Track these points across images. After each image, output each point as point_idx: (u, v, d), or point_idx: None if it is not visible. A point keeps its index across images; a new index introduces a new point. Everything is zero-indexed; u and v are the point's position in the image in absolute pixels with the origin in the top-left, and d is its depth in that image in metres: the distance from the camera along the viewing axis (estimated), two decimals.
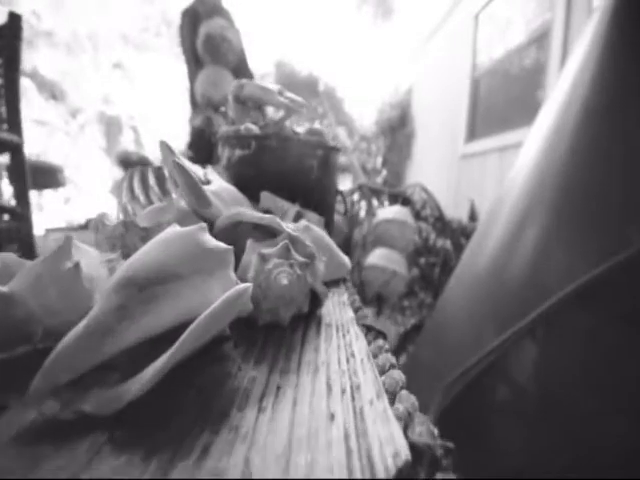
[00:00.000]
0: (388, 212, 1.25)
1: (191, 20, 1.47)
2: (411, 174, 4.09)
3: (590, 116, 0.76)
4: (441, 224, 1.61)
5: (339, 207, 1.47)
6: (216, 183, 0.29)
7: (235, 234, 0.24)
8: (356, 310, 0.30)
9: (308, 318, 0.22)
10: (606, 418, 0.64)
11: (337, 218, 1.52)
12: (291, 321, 0.20)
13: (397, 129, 4.15)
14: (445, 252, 1.71)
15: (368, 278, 1.21)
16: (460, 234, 1.70)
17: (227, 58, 1.33)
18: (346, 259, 0.32)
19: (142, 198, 0.29)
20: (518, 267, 0.76)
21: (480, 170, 2.57)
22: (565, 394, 0.70)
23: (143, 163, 0.63)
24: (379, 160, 4.20)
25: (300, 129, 0.51)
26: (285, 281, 0.18)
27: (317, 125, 0.50)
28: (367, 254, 1.53)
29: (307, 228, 0.31)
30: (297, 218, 0.37)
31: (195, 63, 1.40)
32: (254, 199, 0.44)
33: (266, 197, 0.36)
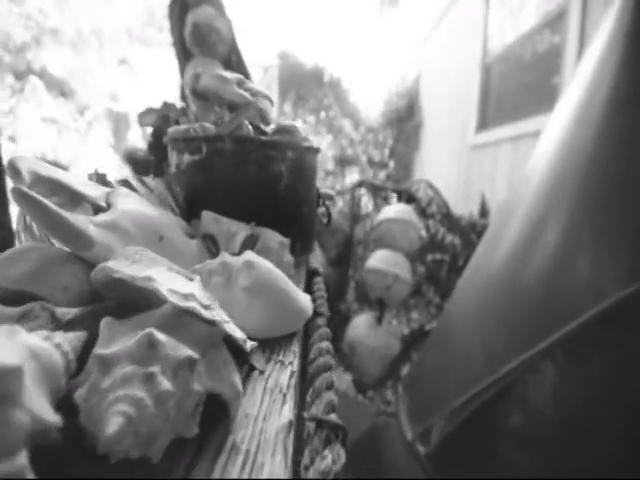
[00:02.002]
0: (390, 211, 1.16)
1: (180, 10, 1.38)
2: (419, 166, 3.94)
3: (617, 107, 0.66)
4: (449, 221, 1.51)
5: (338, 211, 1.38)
6: (118, 208, 0.21)
7: (121, 293, 0.16)
8: (325, 370, 0.22)
9: (204, 438, 0.14)
10: (632, 447, 0.57)
11: (335, 217, 1.44)
12: (173, 447, 0.12)
13: (404, 119, 4.00)
14: (454, 249, 1.61)
15: (368, 281, 1.12)
16: (470, 231, 1.60)
17: (216, 49, 1.24)
18: (306, 303, 0.24)
19: (35, 227, 0.22)
20: (535, 276, 0.67)
21: (492, 161, 2.43)
22: (587, 420, 0.61)
23: (150, 160, 0.57)
24: (386, 152, 4.06)
25: (269, 127, 0.42)
26: (114, 427, 0.10)
27: (288, 121, 0.41)
28: (368, 254, 1.45)
29: (248, 265, 0.23)
30: (249, 243, 0.29)
31: (184, 55, 1.32)
32: None
33: (207, 218, 0.28)
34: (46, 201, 0.17)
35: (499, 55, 2.50)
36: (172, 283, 0.15)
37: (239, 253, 0.27)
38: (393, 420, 1.11)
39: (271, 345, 0.22)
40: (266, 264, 0.24)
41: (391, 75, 4.48)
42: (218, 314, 0.16)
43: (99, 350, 0.12)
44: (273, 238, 0.31)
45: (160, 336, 0.12)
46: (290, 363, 0.20)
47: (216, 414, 0.15)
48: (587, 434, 0.61)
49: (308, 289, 0.43)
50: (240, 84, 0.37)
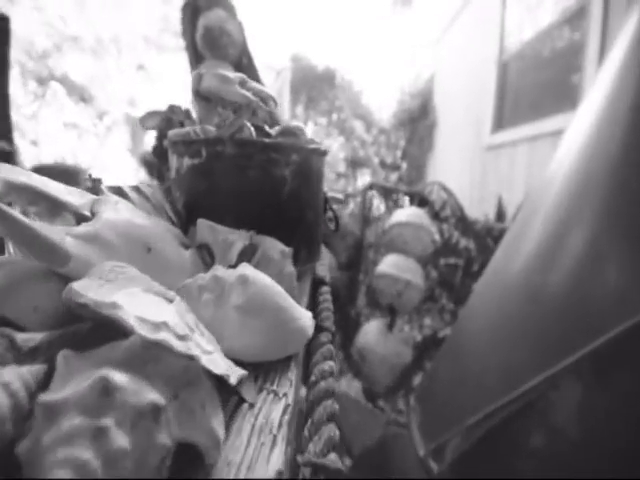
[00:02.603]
0: (402, 214, 1.12)
1: (191, 13, 1.39)
2: (432, 168, 3.87)
3: None
4: (463, 225, 1.46)
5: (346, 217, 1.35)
6: (102, 218, 0.20)
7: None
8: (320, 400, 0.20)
9: None
10: None
11: (346, 220, 1.41)
12: None
13: (418, 120, 3.93)
14: (468, 253, 1.56)
15: (379, 287, 1.09)
16: (486, 235, 1.54)
17: (227, 51, 1.24)
18: (306, 322, 0.22)
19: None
20: (558, 286, 0.62)
21: (508, 162, 2.36)
22: (613, 442, 0.57)
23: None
24: (398, 154, 4.00)
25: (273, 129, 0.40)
26: None
27: (293, 122, 0.39)
28: (379, 258, 1.41)
29: (242, 280, 0.20)
30: (247, 253, 0.27)
31: (196, 58, 1.32)
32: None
33: (203, 226, 0.26)
34: (13, 211, 0.16)
35: (516, 52, 2.43)
36: (143, 309, 0.13)
37: (236, 264, 0.25)
38: (404, 431, 1.07)
39: (265, 370, 0.20)
40: (263, 279, 0.22)
41: (404, 75, 4.43)
42: (197, 345, 0.13)
43: (45, 395, 0.10)
44: (274, 247, 0.29)
45: (118, 379, 0.10)
46: (285, 395, 0.18)
47: (193, 462, 0.13)
48: (613, 456, 0.57)
49: (313, 300, 0.41)
50: (242, 84, 0.35)
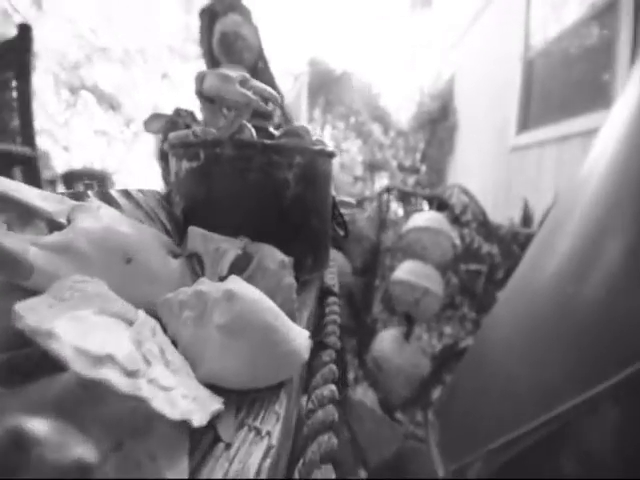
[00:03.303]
0: (420, 219, 1.08)
1: (209, 19, 1.41)
2: (453, 170, 3.76)
3: None
4: (486, 230, 1.39)
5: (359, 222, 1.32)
6: (76, 226, 0.18)
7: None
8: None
9: None
10: None
11: (362, 224, 1.38)
12: None
13: (438, 122, 3.84)
14: (491, 259, 1.48)
15: (395, 294, 1.05)
16: (511, 240, 1.46)
17: (242, 56, 1.25)
18: (301, 344, 0.20)
19: None
20: (593, 300, 0.57)
21: (535, 164, 2.24)
22: None
23: None
24: (417, 156, 3.91)
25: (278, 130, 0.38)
26: None
27: (299, 123, 0.37)
28: (396, 263, 1.36)
29: (228, 296, 0.18)
30: (241, 264, 0.24)
31: (212, 64, 1.34)
32: (205, 228, 0.32)
33: (194, 234, 0.24)
34: None
35: (542, 50, 2.32)
36: (88, 337, 0.11)
37: (227, 276, 0.23)
38: (423, 446, 1.02)
39: (251, 400, 0.17)
40: (252, 294, 0.19)
41: (423, 77, 4.34)
42: (150, 381, 0.11)
43: None
44: (271, 256, 0.26)
45: (37, 429, 0.08)
46: (268, 433, 0.15)
47: None
48: None
49: (320, 311, 0.39)
50: (244, 82, 0.34)
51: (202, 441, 0.14)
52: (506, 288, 0.88)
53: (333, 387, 0.23)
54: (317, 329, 0.34)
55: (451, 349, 1.34)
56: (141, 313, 0.15)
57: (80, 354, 0.10)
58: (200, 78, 0.38)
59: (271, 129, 0.40)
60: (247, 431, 0.15)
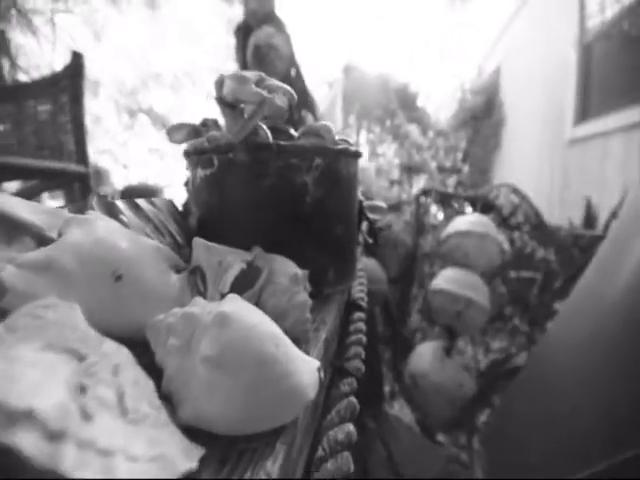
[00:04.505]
0: (461, 222, 0.99)
1: (244, 35, 1.45)
2: (499, 169, 3.50)
3: None
4: (541, 233, 1.25)
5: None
6: (64, 241, 0.16)
7: None
8: None
9: None
10: None
11: (398, 229, 1.31)
12: None
13: (482, 118, 3.61)
14: (547, 265, 1.33)
15: (435, 305, 0.97)
16: (572, 244, 1.30)
17: (274, 65, 1.27)
18: (306, 378, 0.16)
19: None
20: None
21: (598, 157, 2.00)
22: None
23: None
24: (459, 156, 3.70)
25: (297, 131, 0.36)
26: None
27: (319, 122, 0.34)
28: (436, 270, 1.27)
29: (220, 321, 0.16)
30: (247, 279, 0.22)
31: None
32: (220, 239, 0.30)
33: (197, 246, 0.22)
34: None
35: (601, 33, 2.09)
36: (13, 385, 0.09)
37: (229, 293, 0.21)
38: (467, 472, 0.92)
39: (240, 450, 0.14)
40: (249, 317, 0.16)
41: (465, 72, 4.13)
42: (80, 446, 0.09)
43: None
44: (282, 270, 0.23)
45: None
46: None
47: None
48: None
49: (343, 330, 0.35)
50: (260, 82, 0.32)
51: None
52: (568, 300, 0.77)
53: (351, 427, 0.20)
54: (340, 350, 0.30)
55: (500, 366, 1.21)
56: (108, 345, 0.13)
57: None
58: (219, 83, 0.36)
59: (292, 131, 0.37)
60: None
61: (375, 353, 1.03)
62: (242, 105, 0.35)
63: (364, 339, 0.31)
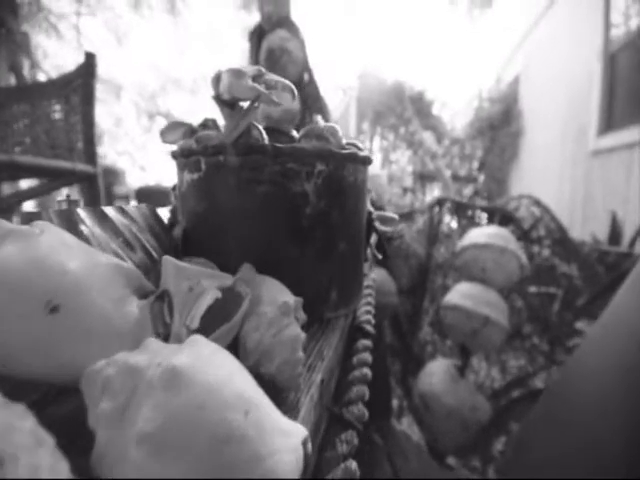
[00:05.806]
0: (479, 234, 0.93)
1: (257, 39, 1.44)
2: (517, 180, 3.39)
3: None
4: (564, 248, 1.18)
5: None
6: (50, 242, 0.13)
7: None
8: None
9: None
10: None
11: (410, 239, 1.25)
12: None
13: (499, 127, 3.52)
14: (569, 281, 1.25)
15: (448, 321, 0.91)
16: (597, 261, 1.23)
17: (287, 69, 1.24)
18: (283, 459, 0.12)
19: None
20: None
21: (623, 169, 1.90)
22: None
23: None
24: (474, 165, 3.61)
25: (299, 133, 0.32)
26: None
27: (324, 123, 0.30)
28: (449, 282, 1.21)
29: (169, 380, 0.11)
30: (224, 308, 0.18)
31: None
32: (206, 254, 0.27)
33: (167, 266, 0.18)
34: None
35: (626, 43, 2.02)
36: None
37: (197, 331, 0.17)
38: None
39: None
40: (209, 374, 0.12)
41: (482, 81, 4.05)
42: None
43: None
44: (270, 297, 0.19)
45: None
46: None
47: None
48: None
49: (347, 358, 0.30)
50: (258, 77, 0.28)
51: None
52: (598, 322, 0.70)
53: None
54: (340, 388, 0.26)
55: (517, 386, 1.13)
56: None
57: None
58: (216, 80, 0.33)
59: (293, 132, 0.33)
60: None
61: (383, 363, 0.97)
62: (241, 104, 0.32)
63: (369, 374, 0.27)
